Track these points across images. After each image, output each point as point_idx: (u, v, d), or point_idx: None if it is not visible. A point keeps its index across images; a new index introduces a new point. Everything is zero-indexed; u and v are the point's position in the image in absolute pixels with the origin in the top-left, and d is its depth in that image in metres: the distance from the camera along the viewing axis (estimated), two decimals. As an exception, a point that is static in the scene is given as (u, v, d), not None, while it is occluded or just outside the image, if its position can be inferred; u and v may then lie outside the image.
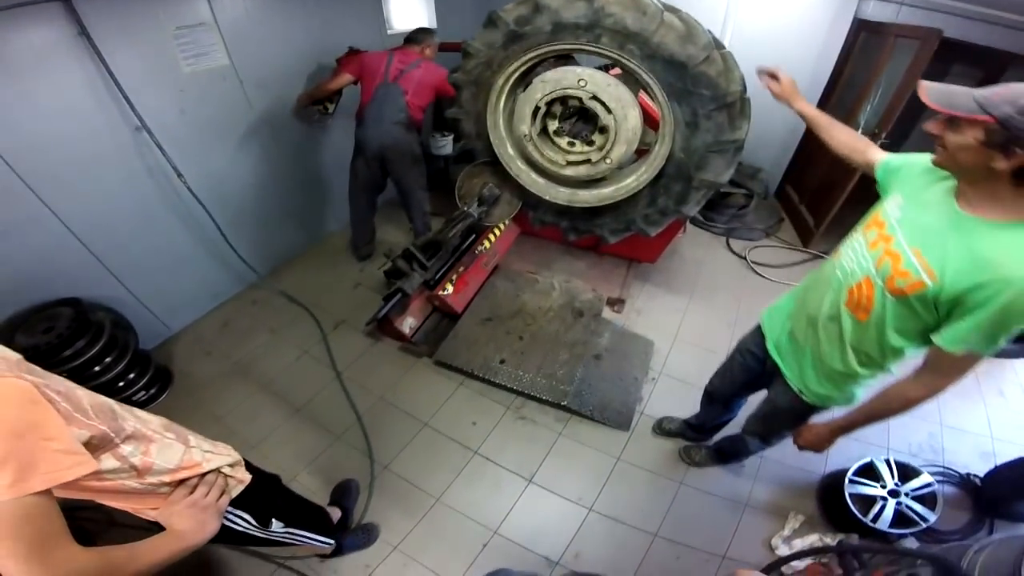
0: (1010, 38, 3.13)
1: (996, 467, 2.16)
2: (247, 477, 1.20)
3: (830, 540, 1.96)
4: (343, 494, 2.06)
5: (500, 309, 2.87)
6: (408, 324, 2.70)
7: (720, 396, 1.95)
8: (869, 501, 1.97)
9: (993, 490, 2.11)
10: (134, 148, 2.39)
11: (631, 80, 2.32)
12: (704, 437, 2.25)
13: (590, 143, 2.49)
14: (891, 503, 1.95)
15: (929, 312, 1.04)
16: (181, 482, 1.02)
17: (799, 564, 1.80)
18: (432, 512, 2.03)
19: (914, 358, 1.16)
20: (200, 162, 2.67)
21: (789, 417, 1.58)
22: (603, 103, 2.29)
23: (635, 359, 2.70)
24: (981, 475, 2.20)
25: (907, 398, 1.13)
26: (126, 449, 0.91)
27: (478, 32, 2.48)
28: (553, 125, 2.50)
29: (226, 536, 1.15)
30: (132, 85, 2.25)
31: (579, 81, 2.28)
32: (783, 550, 1.90)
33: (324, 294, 3.15)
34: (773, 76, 1.76)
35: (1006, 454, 2.22)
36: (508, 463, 2.21)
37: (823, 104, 3.80)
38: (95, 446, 0.82)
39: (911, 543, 1.93)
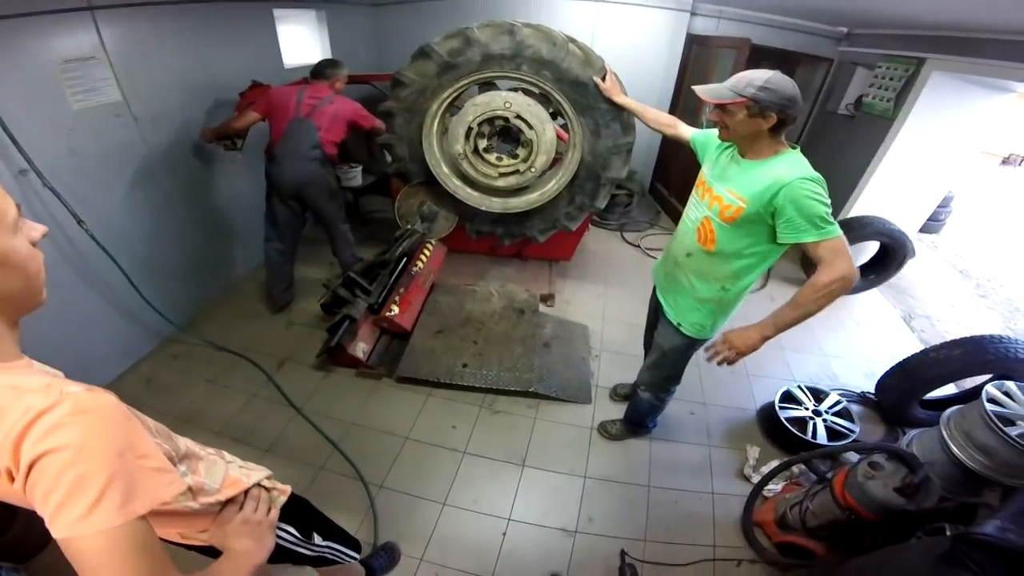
0: (801, 40, 4.12)
1: (880, 379, 2.62)
2: (287, 488, 1.19)
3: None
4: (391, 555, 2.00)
5: (448, 320, 2.99)
6: (361, 349, 2.69)
7: (648, 346, 2.27)
8: (801, 423, 2.42)
9: (887, 400, 2.58)
10: (20, 195, 2.08)
11: (543, 100, 2.68)
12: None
13: (515, 156, 2.78)
14: (819, 422, 2.42)
15: (759, 224, 1.48)
16: (228, 501, 0.98)
17: (775, 486, 2.18)
18: (443, 517, 2.07)
19: (750, 279, 1.65)
20: (95, 207, 2.38)
21: (673, 357, 1.95)
22: (526, 121, 2.61)
23: (577, 342, 3.02)
24: (873, 391, 2.69)
25: (816, 284, 1.39)
26: (181, 468, 0.87)
27: (409, 63, 2.67)
28: (483, 143, 2.74)
29: (276, 555, 1.10)
30: (14, 122, 1.98)
31: (505, 103, 2.58)
32: (756, 478, 2.24)
33: (255, 338, 2.97)
34: (602, 79, 2.47)
35: (881, 371, 2.65)
36: (497, 455, 2.34)
37: (673, 106, 4.60)
38: None
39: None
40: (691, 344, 1.87)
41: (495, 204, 2.97)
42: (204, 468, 0.94)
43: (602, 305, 3.46)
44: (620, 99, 2.51)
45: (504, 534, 2.02)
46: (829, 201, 1.37)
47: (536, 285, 3.43)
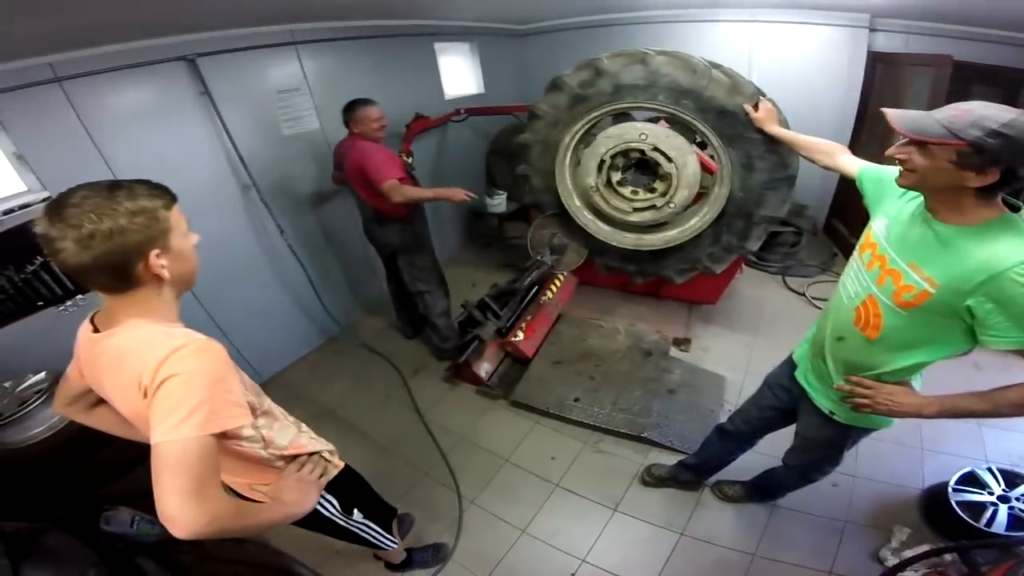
0: (1020, 55, 3.25)
1: None
2: (341, 464, 1.37)
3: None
4: (399, 525, 2.14)
5: (568, 353, 2.97)
6: (484, 368, 2.83)
7: (739, 435, 1.89)
8: (977, 509, 1.90)
9: None
10: (243, 204, 2.67)
11: (685, 130, 2.53)
12: (702, 478, 2.18)
13: (652, 190, 2.67)
14: (1003, 508, 1.87)
15: (951, 318, 1.08)
16: (292, 459, 1.19)
17: (915, 573, 1.71)
18: (519, 543, 2.06)
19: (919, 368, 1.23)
20: (294, 220, 2.94)
21: (824, 445, 1.57)
22: (664, 153, 2.49)
23: (708, 392, 2.74)
24: None
25: (1013, 402, 1.05)
26: (260, 422, 1.10)
27: (543, 96, 2.75)
28: (616, 176, 2.70)
29: (313, 521, 1.27)
30: (242, 144, 2.53)
31: (640, 135, 2.51)
32: (892, 562, 1.83)
33: (401, 345, 3.32)
34: (755, 107, 2.16)
35: None
36: (590, 494, 2.24)
37: (856, 135, 3.95)
38: None
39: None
40: (848, 433, 1.48)
41: (628, 239, 2.88)
42: (278, 427, 1.17)
43: (747, 356, 3.06)
44: (772, 129, 2.21)
45: (573, 574, 1.94)
46: None
47: (670, 327, 3.20)
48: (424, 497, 2.27)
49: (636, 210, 2.71)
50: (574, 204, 2.93)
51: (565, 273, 3.25)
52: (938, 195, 1.07)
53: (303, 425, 1.31)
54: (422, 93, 3.71)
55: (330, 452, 1.34)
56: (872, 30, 3.67)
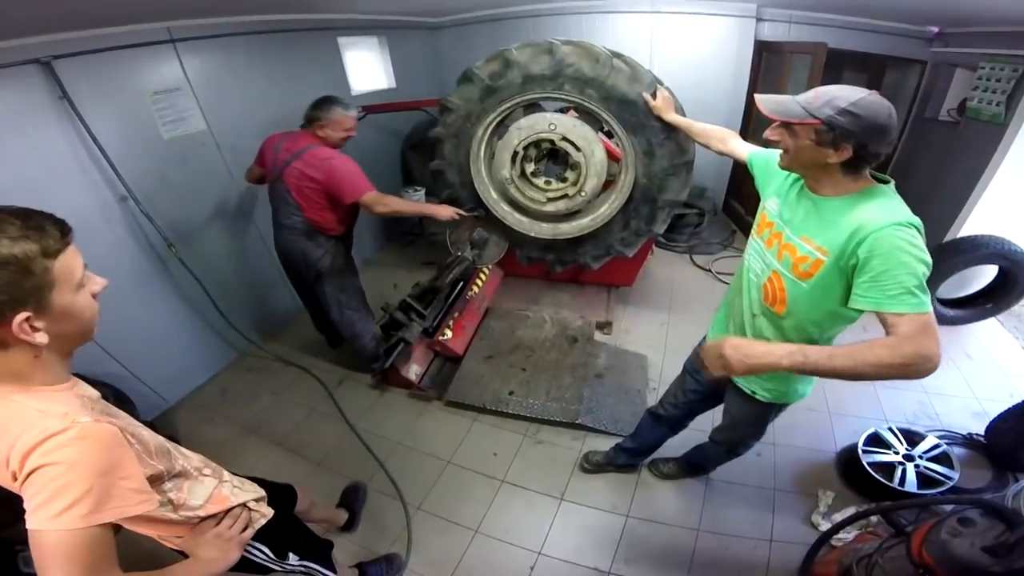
0: (885, 42, 3.70)
1: (992, 421, 2.31)
2: (270, 512, 1.28)
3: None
4: (352, 497, 2.13)
5: (499, 346, 2.97)
6: (414, 371, 2.75)
7: (671, 418, 1.93)
8: (889, 468, 2.12)
9: (998, 444, 2.26)
10: (121, 218, 2.38)
11: (592, 120, 2.59)
12: (638, 461, 2.25)
13: (564, 179, 2.72)
14: (910, 467, 2.10)
15: (840, 282, 1.14)
16: (209, 516, 1.09)
17: (847, 535, 1.89)
18: (473, 545, 2.04)
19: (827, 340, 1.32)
20: (185, 231, 2.67)
21: (749, 423, 1.66)
22: (572, 143, 2.54)
23: (633, 373, 2.86)
24: (982, 433, 2.35)
25: (898, 350, 1.00)
26: (168, 485, 0.99)
27: (455, 89, 2.69)
28: (530, 167, 2.71)
29: (246, 566, 1.22)
30: (114, 152, 2.24)
31: (550, 125, 2.53)
32: (824, 525, 1.99)
33: (320, 355, 3.14)
34: (653, 95, 2.26)
35: (994, 411, 2.35)
36: (536, 486, 2.26)
37: (746, 121, 4.29)
38: (150, 483, 0.90)
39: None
40: (770, 409, 1.55)
41: (545, 230, 2.91)
42: (189, 487, 1.06)
43: (664, 333, 3.26)
44: (668, 116, 2.33)
45: (532, 568, 1.95)
46: (929, 259, 1.04)
47: (593, 311, 3.30)
48: (368, 510, 2.18)
49: (550, 200, 2.75)
50: (491, 197, 2.90)
51: (490, 266, 3.23)
52: (811, 172, 1.19)
53: (226, 473, 1.20)
54: (325, 90, 3.39)
55: (256, 500, 1.25)
56: (759, 20, 3.96)
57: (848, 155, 1.08)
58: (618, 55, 2.46)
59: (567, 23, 4.16)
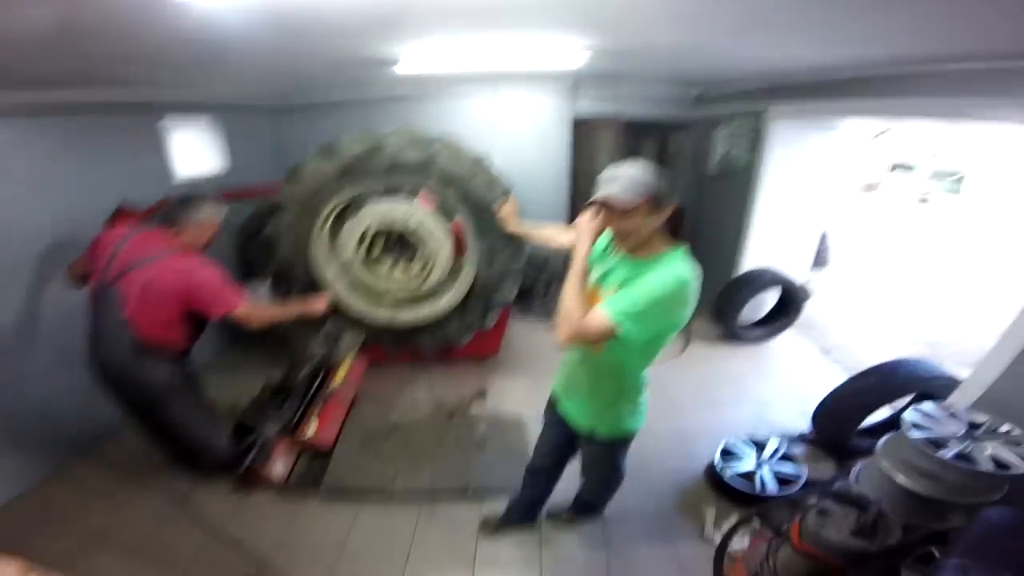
0: (667, 109, 4.45)
1: (812, 415, 2.65)
2: None
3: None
4: None
5: (374, 432, 2.85)
6: (278, 471, 2.50)
7: (544, 469, 2.05)
8: (748, 476, 2.41)
9: (825, 436, 2.61)
10: None
11: (445, 213, 2.75)
12: (534, 514, 2.30)
13: (409, 264, 2.81)
14: (765, 470, 2.43)
15: None
16: None
17: (739, 544, 2.10)
18: None
19: (636, 375, 1.57)
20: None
21: (601, 460, 1.87)
22: (423, 236, 2.66)
23: (513, 435, 2.91)
24: (809, 430, 2.70)
25: (570, 303, 1.34)
26: None
27: (312, 157, 2.62)
28: (376, 251, 2.76)
29: None
30: None
31: (405, 215, 2.62)
32: (717, 538, 2.17)
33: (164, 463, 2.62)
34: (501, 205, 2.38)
35: (814, 407, 2.72)
36: (444, 559, 2.19)
37: (573, 193, 4.81)
38: None
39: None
40: (610, 446, 1.76)
41: (381, 316, 2.92)
42: None
43: (536, 395, 3.32)
44: (514, 227, 2.36)
45: None
46: (675, 320, 1.33)
47: (467, 384, 3.38)
48: None
49: (392, 286, 2.80)
50: (330, 275, 2.83)
51: (352, 355, 3.07)
52: (636, 241, 1.39)
53: None
54: (143, 175, 3.00)
55: None
56: (575, 98, 4.47)
57: (671, 210, 1.34)
58: (482, 161, 2.66)
59: (419, 111, 4.26)
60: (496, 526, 2.30)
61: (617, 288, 1.40)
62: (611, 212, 1.34)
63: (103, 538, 2.21)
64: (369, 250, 2.71)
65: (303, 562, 2.16)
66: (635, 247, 1.41)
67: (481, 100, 4.39)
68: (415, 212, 2.61)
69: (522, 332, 4.33)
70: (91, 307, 2.02)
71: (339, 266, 2.81)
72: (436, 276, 2.70)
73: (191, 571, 2.09)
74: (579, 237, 1.42)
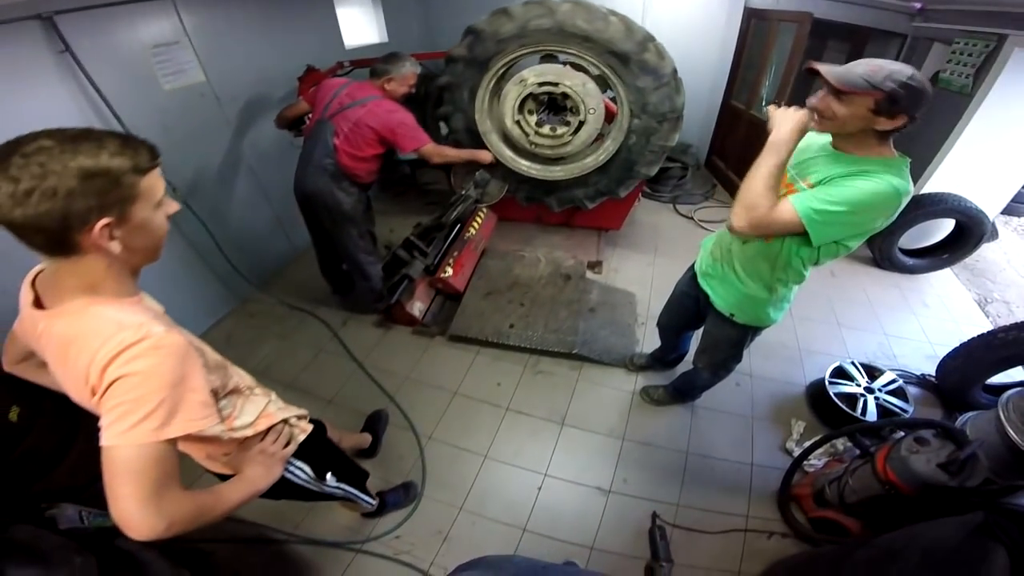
0: (869, 15, 3.79)
1: (942, 360, 2.50)
2: (309, 427, 1.32)
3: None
4: (375, 422, 2.30)
5: (497, 284, 3.13)
6: (417, 308, 2.89)
7: (668, 330, 2.22)
8: (851, 400, 2.34)
9: (948, 383, 2.47)
10: (125, 166, 2.38)
11: (588, 71, 2.72)
12: (667, 367, 2.58)
13: (566, 124, 2.82)
14: (871, 399, 2.34)
15: None
16: (256, 433, 1.12)
17: (818, 462, 2.13)
18: (483, 470, 2.20)
19: (801, 272, 1.49)
20: (187, 179, 2.70)
21: (728, 344, 1.83)
22: (572, 93, 2.67)
23: (623, 309, 3.08)
24: (934, 374, 2.55)
25: (754, 196, 1.28)
26: (223, 402, 1.02)
27: (459, 42, 2.80)
28: (532, 118, 2.82)
29: (285, 489, 1.25)
30: (118, 104, 2.26)
31: (552, 77, 2.64)
32: (798, 452, 2.16)
33: (321, 298, 3.22)
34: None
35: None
36: (539, 412, 2.46)
37: (731, 84, 4.43)
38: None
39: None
40: (747, 332, 1.74)
41: (544, 171, 3.05)
42: (242, 403, 1.09)
43: (651, 273, 3.47)
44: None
45: (540, 488, 2.13)
46: (869, 228, 1.25)
47: (583, 252, 3.48)
48: (382, 442, 2.31)
49: (551, 145, 2.86)
50: (492, 139, 3.01)
51: (485, 210, 3.34)
52: (850, 138, 1.28)
53: (273, 393, 1.24)
54: (319, 44, 3.48)
55: (298, 417, 1.29)
56: None
57: (901, 123, 1.18)
58: (613, 12, 2.59)
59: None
60: (639, 365, 2.62)
61: (814, 184, 1.30)
62: (833, 93, 1.22)
63: (261, 375, 2.53)
64: (522, 108, 2.80)
65: (426, 394, 2.56)
66: (849, 142, 1.29)
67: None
68: (559, 74, 2.64)
69: (650, 214, 4.32)
70: (307, 137, 2.45)
71: (495, 120, 2.98)
72: (588, 131, 2.75)
73: (337, 399, 2.55)
74: (780, 123, 1.29)
